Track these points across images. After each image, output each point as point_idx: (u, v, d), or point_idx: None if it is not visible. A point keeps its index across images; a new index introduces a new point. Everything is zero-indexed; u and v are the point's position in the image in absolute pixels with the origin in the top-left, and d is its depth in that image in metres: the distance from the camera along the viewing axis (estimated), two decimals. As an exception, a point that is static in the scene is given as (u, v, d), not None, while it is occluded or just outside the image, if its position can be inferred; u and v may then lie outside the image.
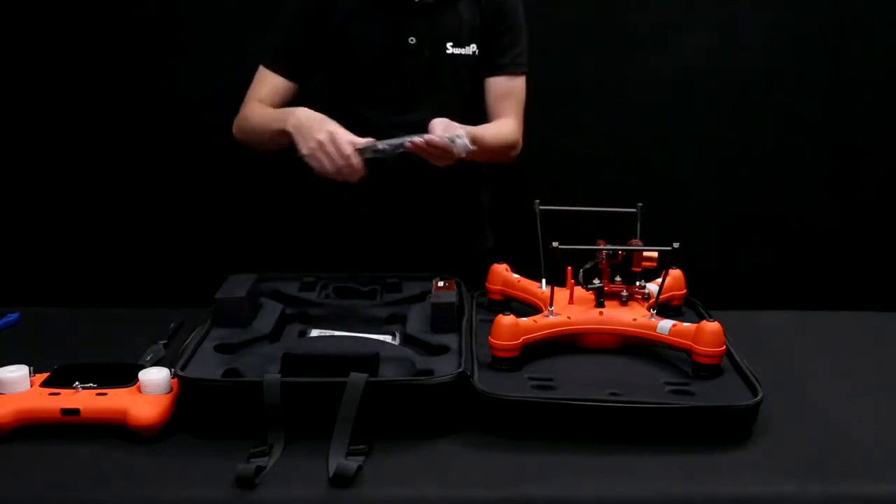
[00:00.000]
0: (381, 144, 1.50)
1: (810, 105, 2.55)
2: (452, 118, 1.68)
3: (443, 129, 1.52)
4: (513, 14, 1.78)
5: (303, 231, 1.97)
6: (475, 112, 1.81)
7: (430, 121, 1.56)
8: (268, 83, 1.74)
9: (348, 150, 1.49)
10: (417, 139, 1.48)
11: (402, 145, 1.49)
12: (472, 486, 1.09)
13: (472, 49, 1.75)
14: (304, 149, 1.52)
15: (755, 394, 1.21)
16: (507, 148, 1.78)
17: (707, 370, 1.29)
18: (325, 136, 1.49)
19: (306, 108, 1.58)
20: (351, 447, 1.12)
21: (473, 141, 1.63)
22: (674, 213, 2.43)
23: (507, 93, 1.79)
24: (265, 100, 1.73)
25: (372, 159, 1.52)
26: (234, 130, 1.77)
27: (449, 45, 1.72)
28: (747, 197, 2.62)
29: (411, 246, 1.83)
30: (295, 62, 1.75)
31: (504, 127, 1.77)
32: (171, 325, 1.58)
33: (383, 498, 1.07)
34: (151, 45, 2.43)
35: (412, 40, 1.71)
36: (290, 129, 1.55)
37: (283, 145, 1.59)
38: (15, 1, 2.39)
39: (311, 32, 1.73)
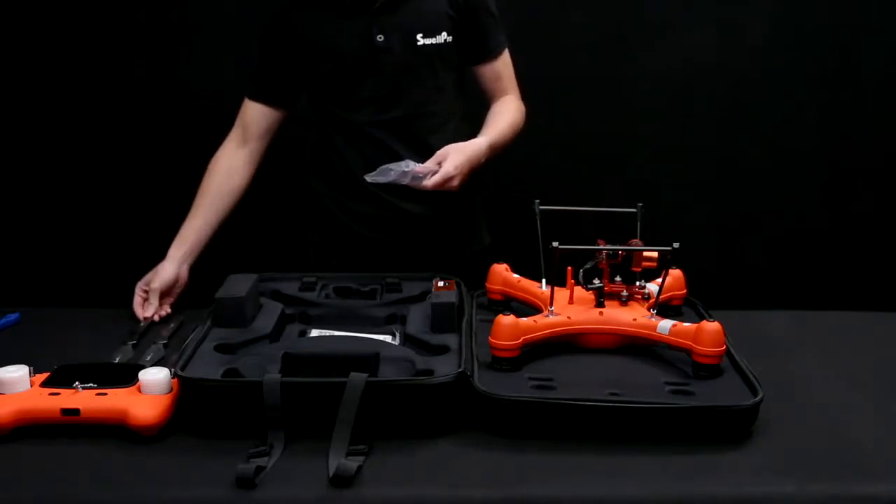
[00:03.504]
0: (389, 175, 1.58)
1: (810, 105, 2.55)
2: (433, 109, 1.74)
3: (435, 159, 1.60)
4: (483, 2, 1.77)
5: (303, 231, 1.97)
6: (458, 99, 1.82)
7: (409, 116, 1.70)
8: (249, 113, 1.79)
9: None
10: (427, 182, 1.58)
11: (409, 174, 1.58)
12: (472, 486, 1.09)
13: (443, 37, 1.73)
14: None
15: (755, 394, 1.21)
16: (518, 128, 1.82)
17: (707, 370, 1.29)
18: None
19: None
20: (351, 447, 1.12)
21: (493, 148, 1.70)
22: (674, 213, 2.44)
23: (499, 73, 1.83)
24: (249, 127, 1.78)
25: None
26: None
27: (419, 36, 1.71)
28: (747, 197, 2.62)
29: (408, 246, 1.82)
30: (272, 88, 1.78)
31: (507, 108, 1.81)
32: (171, 326, 1.58)
33: (383, 498, 1.07)
34: (151, 45, 2.43)
35: (380, 38, 1.69)
36: None
37: None
38: (15, 1, 2.39)
39: (281, 54, 1.75)
